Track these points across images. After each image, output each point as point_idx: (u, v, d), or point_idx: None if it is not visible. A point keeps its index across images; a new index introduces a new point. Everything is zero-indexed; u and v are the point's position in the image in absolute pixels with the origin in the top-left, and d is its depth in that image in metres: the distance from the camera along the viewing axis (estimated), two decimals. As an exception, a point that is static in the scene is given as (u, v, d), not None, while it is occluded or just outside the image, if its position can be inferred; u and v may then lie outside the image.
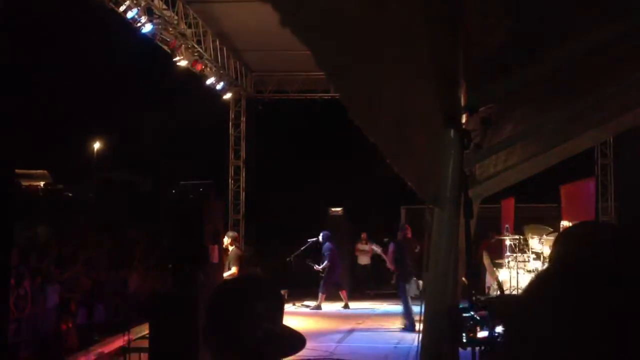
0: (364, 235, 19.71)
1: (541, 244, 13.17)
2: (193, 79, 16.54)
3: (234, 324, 1.81)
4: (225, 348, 1.82)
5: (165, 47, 14.23)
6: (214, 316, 1.86)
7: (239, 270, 11.34)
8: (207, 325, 1.86)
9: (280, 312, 1.88)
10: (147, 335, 9.39)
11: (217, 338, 1.83)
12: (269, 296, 1.87)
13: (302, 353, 1.90)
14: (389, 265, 14.20)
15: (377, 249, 16.90)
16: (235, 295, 1.88)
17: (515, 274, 13.14)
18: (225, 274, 10.85)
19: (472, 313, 3.49)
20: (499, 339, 7.04)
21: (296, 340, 1.87)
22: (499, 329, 7.75)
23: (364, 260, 19.63)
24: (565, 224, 12.92)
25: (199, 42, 14.80)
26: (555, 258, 1.70)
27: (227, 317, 1.82)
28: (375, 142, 2.35)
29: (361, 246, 19.61)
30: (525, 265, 13.30)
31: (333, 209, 19.26)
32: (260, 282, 1.98)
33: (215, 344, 1.84)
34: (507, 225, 16.17)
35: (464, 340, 3.38)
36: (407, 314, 13.00)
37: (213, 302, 1.89)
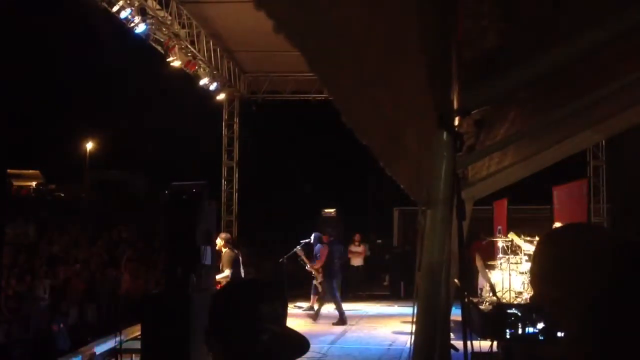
0: (357, 237, 19.69)
1: (533, 245, 13.19)
2: (186, 79, 16.52)
3: (239, 326, 1.79)
4: (229, 351, 1.80)
5: (159, 48, 14.20)
6: (218, 319, 1.84)
7: (233, 273, 11.29)
8: (210, 327, 1.84)
9: (284, 315, 1.88)
10: (139, 337, 9.36)
11: (222, 341, 1.81)
12: (273, 298, 1.85)
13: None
14: (317, 266, 15.11)
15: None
16: (240, 298, 1.86)
17: (507, 276, 13.16)
18: (219, 276, 10.80)
19: (514, 310, 3.51)
20: (540, 336, 7.12)
21: (301, 342, 1.86)
22: (540, 326, 7.83)
23: (357, 261, 19.61)
24: (558, 225, 12.96)
25: (192, 43, 14.78)
26: (543, 260, 1.69)
27: (232, 320, 1.81)
28: (367, 144, 2.35)
29: (354, 248, 19.59)
30: (517, 267, 13.32)
31: (326, 210, 19.26)
32: (264, 284, 1.96)
33: (219, 347, 1.82)
34: (499, 227, 16.20)
35: (507, 337, 3.39)
36: (339, 307, 14.56)
37: (217, 305, 1.86)
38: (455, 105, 2.67)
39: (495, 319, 8.36)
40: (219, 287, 10.19)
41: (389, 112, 2.36)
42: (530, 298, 11.65)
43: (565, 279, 1.60)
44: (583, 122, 5.61)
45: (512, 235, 13.49)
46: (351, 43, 1.79)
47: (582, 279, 1.55)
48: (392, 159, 2.87)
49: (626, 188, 15.60)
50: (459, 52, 2.55)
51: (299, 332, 1.87)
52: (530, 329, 8.01)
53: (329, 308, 16.40)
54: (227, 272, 11.22)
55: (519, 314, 8.16)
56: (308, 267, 16.18)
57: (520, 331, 7.99)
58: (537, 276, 1.70)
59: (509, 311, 8.47)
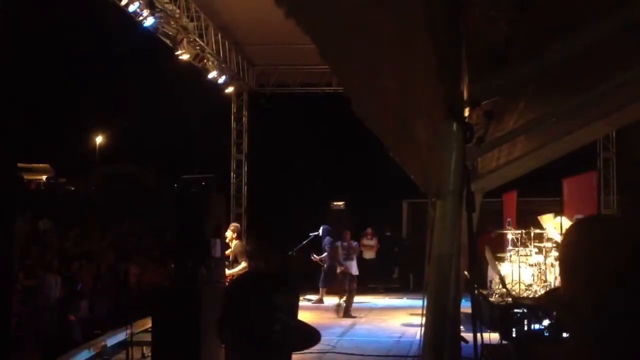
0: (369, 230, 19.78)
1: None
2: (195, 73, 16.52)
3: (251, 317, 1.80)
4: (241, 341, 1.82)
5: (167, 41, 14.21)
6: (230, 310, 1.86)
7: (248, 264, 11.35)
8: (223, 318, 1.85)
9: (296, 307, 1.89)
10: (150, 329, 9.41)
11: (233, 331, 1.83)
12: (286, 290, 1.87)
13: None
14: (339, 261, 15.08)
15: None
16: (253, 289, 1.87)
17: (517, 268, 13.14)
18: (236, 269, 10.83)
19: (523, 310, 3.50)
20: (545, 333, 7.05)
21: (312, 334, 1.88)
22: (546, 322, 7.77)
23: (369, 254, 19.69)
24: (559, 220, 12.97)
25: (201, 36, 14.77)
26: (559, 256, 1.63)
27: (245, 311, 1.82)
28: (377, 134, 2.34)
29: (366, 241, 19.68)
30: (527, 259, 13.30)
31: (335, 203, 19.26)
32: (277, 276, 1.98)
33: (231, 338, 1.84)
34: (509, 219, 16.16)
35: (514, 335, 3.37)
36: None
37: (230, 296, 1.88)
38: (465, 96, 2.66)
39: (502, 317, 8.31)
40: (229, 278, 10.23)
41: (398, 102, 2.35)
42: (537, 298, 11.54)
43: (571, 277, 1.54)
44: (593, 113, 5.57)
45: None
46: (361, 33, 1.79)
47: (589, 276, 1.47)
48: (401, 149, 2.86)
49: (637, 180, 15.50)
50: (469, 43, 2.53)
51: (311, 325, 1.89)
52: (537, 326, 7.98)
53: (335, 301, 16.42)
54: (243, 264, 11.25)
55: (525, 310, 8.12)
56: (314, 257, 16.23)
57: (526, 328, 7.95)
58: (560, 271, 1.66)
59: (515, 310, 8.42)
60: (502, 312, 8.27)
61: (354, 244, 15.01)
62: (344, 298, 16.15)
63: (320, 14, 1.61)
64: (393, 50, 2.01)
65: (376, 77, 2.10)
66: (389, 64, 2.07)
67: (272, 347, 1.80)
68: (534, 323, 7.91)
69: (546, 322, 7.89)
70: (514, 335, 7.90)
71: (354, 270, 14.38)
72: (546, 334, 7.76)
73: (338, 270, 14.57)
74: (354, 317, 13.91)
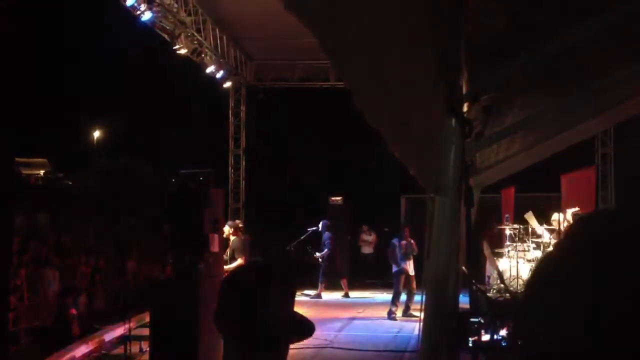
0: (365, 228, 19.95)
1: (542, 230, 13.15)
2: (193, 67, 16.49)
3: (245, 309, 1.83)
4: (236, 333, 1.84)
5: (165, 35, 14.17)
6: (226, 302, 1.89)
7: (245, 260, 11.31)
8: (219, 311, 1.88)
9: (291, 299, 1.91)
10: (148, 324, 9.41)
11: (229, 323, 1.86)
12: (280, 283, 1.89)
13: (302, 342, 1.92)
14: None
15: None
16: (248, 282, 1.90)
17: (515, 263, 13.15)
18: (233, 265, 10.81)
19: (479, 319, 3.49)
20: (503, 343, 6.96)
21: (306, 326, 1.90)
22: (503, 332, 7.67)
23: (367, 249, 19.78)
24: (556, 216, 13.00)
25: (198, 30, 14.74)
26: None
27: (239, 303, 1.85)
28: (377, 128, 2.34)
29: (365, 236, 19.80)
30: (525, 255, 13.31)
31: (333, 198, 19.26)
32: (272, 269, 2.00)
33: (227, 330, 1.87)
34: (507, 215, 16.15)
35: (470, 345, 3.37)
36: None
37: (225, 289, 1.91)
38: (464, 90, 2.65)
39: (458, 327, 8.04)
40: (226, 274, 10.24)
41: (398, 95, 2.35)
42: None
43: (569, 284, 1.40)
44: (590, 109, 5.57)
45: (528, 217, 13.35)
46: (361, 26, 1.78)
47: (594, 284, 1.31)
48: (401, 143, 2.86)
49: (635, 175, 15.52)
50: (469, 39, 2.53)
51: (305, 317, 1.91)
52: (494, 336, 7.87)
53: (333, 296, 16.47)
54: (240, 260, 11.23)
55: (482, 321, 7.98)
56: (316, 255, 16.23)
57: (484, 338, 7.83)
58: None
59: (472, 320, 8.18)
60: (459, 321, 8.05)
61: (412, 242, 13.30)
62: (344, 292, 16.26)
63: (319, 7, 1.61)
64: (393, 44, 2.00)
65: (377, 72, 2.09)
66: (389, 58, 2.06)
67: (266, 339, 1.82)
68: (492, 333, 7.79)
69: (503, 332, 7.79)
70: (470, 344, 7.77)
71: (412, 270, 13.38)
72: (503, 344, 7.69)
73: (395, 270, 13.45)
74: (416, 316, 12.91)
